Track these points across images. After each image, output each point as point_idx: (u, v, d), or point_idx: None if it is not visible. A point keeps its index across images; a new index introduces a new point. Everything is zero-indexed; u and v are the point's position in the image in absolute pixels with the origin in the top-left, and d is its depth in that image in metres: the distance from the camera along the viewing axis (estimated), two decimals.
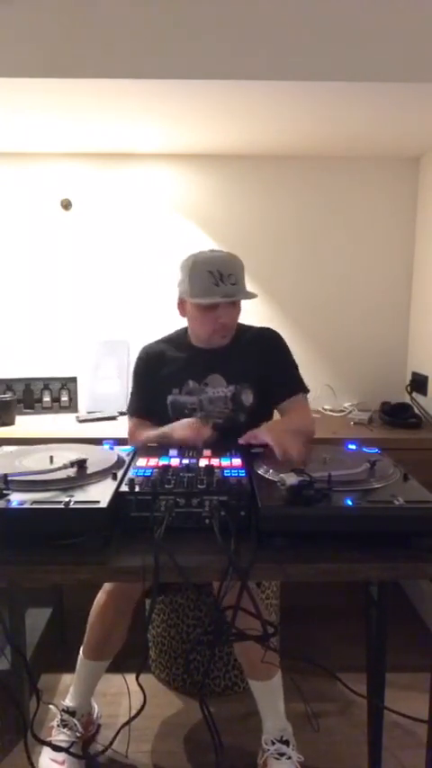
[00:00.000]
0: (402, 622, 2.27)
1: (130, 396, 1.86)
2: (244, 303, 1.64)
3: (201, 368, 1.74)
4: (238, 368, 1.73)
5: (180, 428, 1.57)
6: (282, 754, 1.57)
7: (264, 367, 1.74)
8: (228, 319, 1.70)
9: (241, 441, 1.48)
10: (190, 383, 1.73)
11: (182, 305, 1.75)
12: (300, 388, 1.78)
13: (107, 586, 1.66)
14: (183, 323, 1.82)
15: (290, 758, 1.56)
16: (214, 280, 1.63)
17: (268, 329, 1.84)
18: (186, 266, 1.68)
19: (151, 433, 1.65)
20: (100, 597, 1.66)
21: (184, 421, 1.61)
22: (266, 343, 1.80)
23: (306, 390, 1.79)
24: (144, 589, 1.59)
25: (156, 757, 1.71)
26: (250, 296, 1.69)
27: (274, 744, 1.59)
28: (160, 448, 1.46)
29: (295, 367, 1.81)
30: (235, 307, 1.71)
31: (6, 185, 2.64)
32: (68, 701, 1.70)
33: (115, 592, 1.63)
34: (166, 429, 1.60)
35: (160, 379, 1.77)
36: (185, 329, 1.82)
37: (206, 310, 1.68)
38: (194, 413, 1.70)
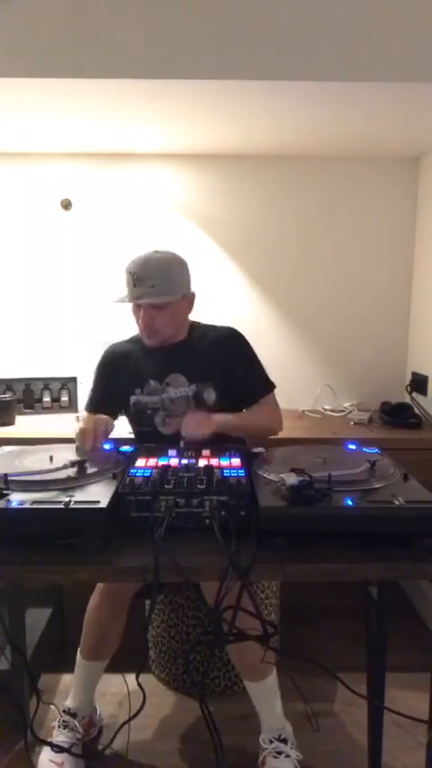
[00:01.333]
0: (402, 622, 2.27)
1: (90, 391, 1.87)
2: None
3: (161, 367, 1.73)
4: (200, 367, 1.72)
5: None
6: (280, 753, 1.57)
7: (227, 368, 1.73)
8: (148, 320, 1.69)
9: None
10: (151, 383, 1.72)
11: None
12: (265, 389, 1.79)
13: (100, 586, 1.67)
14: None
15: (288, 756, 1.57)
16: (131, 280, 1.66)
17: (231, 329, 1.82)
18: None
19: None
20: (94, 597, 1.67)
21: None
22: (229, 345, 1.78)
23: (272, 388, 1.81)
24: (139, 588, 1.62)
25: (156, 757, 1.71)
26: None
27: (272, 742, 1.59)
28: (159, 448, 1.46)
29: (259, 367, 1.81)
30: (159, 310, 1.68)
31: (6, 185, 2.64)
32: (69, 702, 1.71)
33: (108, 591, 1.64)
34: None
35: (122, 379, 1.77)
36: None
37: (135, 309, 1.72)
38: (156, 413, 1.70)
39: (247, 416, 1.73)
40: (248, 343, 1.81)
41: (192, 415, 1.60)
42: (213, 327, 1.83)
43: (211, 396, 1.69)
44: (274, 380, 1.83)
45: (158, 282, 1.65)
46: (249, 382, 1.78)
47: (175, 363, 1.73)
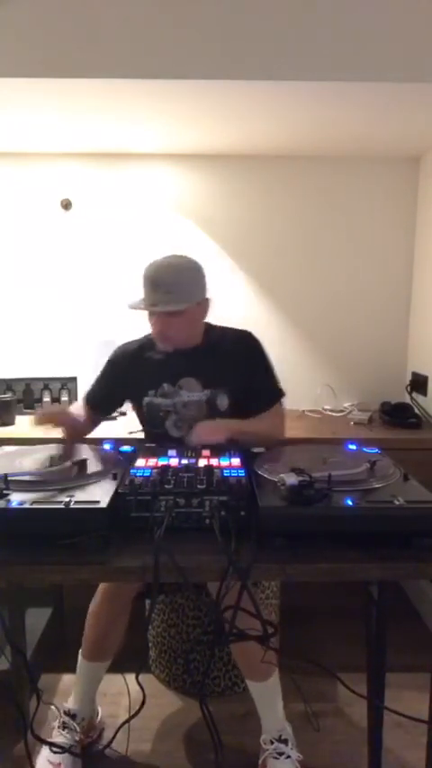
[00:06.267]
0: (402, 622, 2.26)
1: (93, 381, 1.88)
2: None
3: (175, 371, 1.72)
4: (214, 372, 1.71)
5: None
6: (281, 754, 1.57)
7: (241, 374, 1.72)
8: (162, 327, 1.67)
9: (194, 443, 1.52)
10: (165, 386, 1.71)
11: None
12: (276, 398, 1.76)
13: (101, 587, 1.67)
14: None
15: (289, 757, 1.57)
16: (148, 286, 1.64)
17: (247, 334, 1.79)
18: None
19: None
20: (95, 599, 1.67)
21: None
22: (244, 351, 1.75)
23: (282, 396, 1.77)
24: (140, 589, 1.62)
25: (155, 757, 1.71)
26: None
27: (272, 743, 1.59)
28: (159, 448, 1.46)
29: (272, 375, 1.78)
30: (173, 317, 1.64)
31: (6, 185, 2.64)
32: (70, 704, 1.71)
33: (109, 592, 1.64)
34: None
35: (133, 379, 1.76)
36: None
37: (148, 315, 1.70)
38: (169, 416, 1.70)
39: (254, 424, 1.69)
40: (264, 350, 1.78)
41: (202, 424, 1.59)
42: (229, 330, 1.80)
43: (223, 402, 1.69)
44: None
45: (173, 289, 1.61)
46: (261, 389, 1.75)
47: (190, 367, 1.72)
